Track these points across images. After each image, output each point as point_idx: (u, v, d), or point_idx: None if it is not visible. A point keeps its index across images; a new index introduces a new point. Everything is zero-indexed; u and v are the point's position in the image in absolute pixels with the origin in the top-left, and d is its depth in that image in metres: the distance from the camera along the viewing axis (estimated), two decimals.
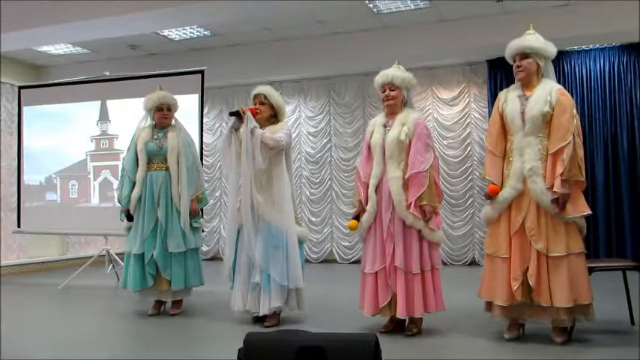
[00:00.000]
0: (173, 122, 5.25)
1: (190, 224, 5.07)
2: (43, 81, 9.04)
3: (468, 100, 9.02)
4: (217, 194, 10.23)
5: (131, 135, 5.29)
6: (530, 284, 3.71)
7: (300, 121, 9.89)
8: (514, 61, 3.99)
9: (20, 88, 8.06)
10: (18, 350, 3.92)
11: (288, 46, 8.51)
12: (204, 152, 8.02)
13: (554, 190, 3.68)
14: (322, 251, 9.65)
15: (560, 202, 3.68)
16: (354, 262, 9.09)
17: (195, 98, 6.94)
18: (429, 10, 7.41)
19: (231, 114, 4.62)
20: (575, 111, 3.80)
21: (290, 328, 4.21)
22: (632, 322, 4.26)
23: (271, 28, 8.05)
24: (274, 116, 4.70)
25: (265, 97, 4.65)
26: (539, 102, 3.81)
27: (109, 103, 7.55)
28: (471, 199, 8.86)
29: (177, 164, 5.06)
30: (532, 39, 3.94)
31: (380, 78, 4.30)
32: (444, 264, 7.81)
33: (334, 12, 7.42)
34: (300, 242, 4.59)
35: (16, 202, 7.92)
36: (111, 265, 7.36)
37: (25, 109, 7.89)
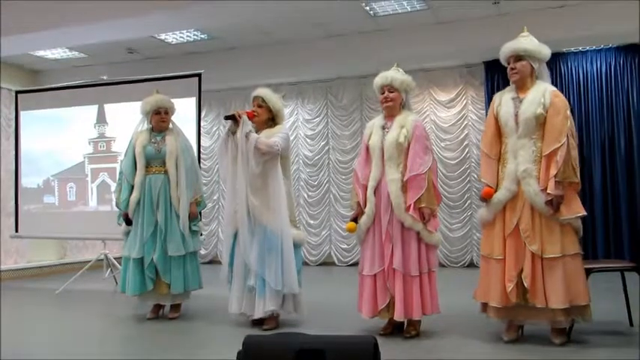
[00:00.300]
0: (171, 126, 5.25)
1: (189, 227, 5.06)
2: (40, 85, 9.03)
3: (465, 102, 9.04)
4: (215, 197, 10.23)
5: (128, 138, 5.28)
6: (525, 285, 3.72)
7: (298, 123, 9.90)
8: (508, 64, 4.00)
9: (17, 92, 8.05)
10: (16, 354, 3.91)
11: (285, 49, 8.52)
12: (201, 156, 8.01)
13: (548, 191, 3.69)
14: (320, 254, 9.65)
15: (555, 203, 3.69)
16: (352, 265, 9.08)
17: (192, 102, 6.94)
18: (425, 12, 7.42)
19: (227, 118, 4.61)
20: (568, 112, 3.80)
21: (289, 330, 4.21)
22: (631, 323, 4.26)
23: (268, 32, 8.05)
24: (272, 119, 4.70)
25: (263, 100, 4.65)
26: (532, 104, 3.82)
27: (107, 105, 7.54)
28: (469, 201, 8.87)
29: (175, 168, 5.05)
30: (526, 41, 3.95)
31: (379, 80, 4.30)
32: (442, 266, 7.82)
33: (331, 15, 7.43)
34: (298, 245, 4.58)
35: (14, 207, 7.91)
36: (109, 269, 7.34)
37: (22, 114, 7.88)
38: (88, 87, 7.60)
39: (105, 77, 7.71)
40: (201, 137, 7.85)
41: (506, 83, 4.13)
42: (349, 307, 4.61)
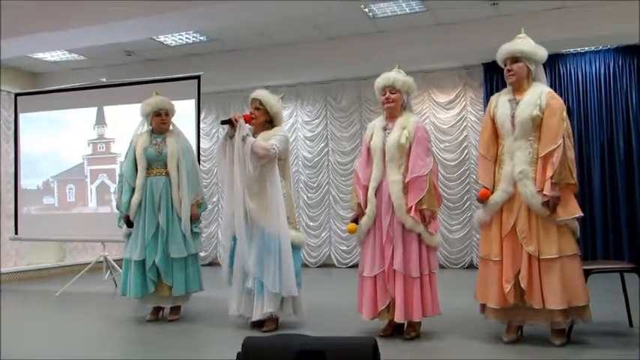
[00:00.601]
0: (171, 127, 5.25)
1: (191, 229, 5.06)
2: (39, 88, 9.03)
3: (464, 103, 9.04)
4: (215, 199, 10.22)
5: (128, 139, 5.28)
6: (522, 286, 3.72)
7: (297, 125, 9.90)
8: (505, 65, 4.01)
9: (17, 95, 8.05)
10: (16, 356, 3.91)
11: (285, 51, 8.52)
12: (201, 157, 8.02)
13: (545, 193, 3.70)
14: (320, 255, 9.65)
15: (551, 204, 3.70)
16: (352, 267, 9.08)
17: (191, 104, 6.94)
18: (424, 14, 7.42)
19: (224, 122, 4.61)
20: (564, 114, 3.82)
21: (288, 332, 4.20)
22: (631, 324, 4.26)
23: (267, 33, 8.05)
24: (270, 121, 4.69)
25: (260, 103, 4.64)
26: (529, 106, 3.83)
27: (106, 108, 7.54)
28: (469, 202, 8.87)
29: (177, 169, 5.05)
30: (522, 43, 3.96)
31: (381, 80, 4.31)
32: (442, 267, 7.81)
33: (330, 16, 7.42)
34: (298, 247, 4.57)
35: (13, 209, 7.90)
36: (108, 271, 7.34)
37: (21, 116, 7.87)
38: (87, 89, 7.60)
39: (104, 79, 7.71)
40: (201, 139, 7.84)
41: (505, 84, 4.14)
42: (349, 309, 4.61)
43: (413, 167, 4.09)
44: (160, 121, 5.15)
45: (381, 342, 2.68)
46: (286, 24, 7.63)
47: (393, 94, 4.25)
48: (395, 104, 4.26)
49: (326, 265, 9.59)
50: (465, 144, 8.96)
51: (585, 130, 8.18)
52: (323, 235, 9.67)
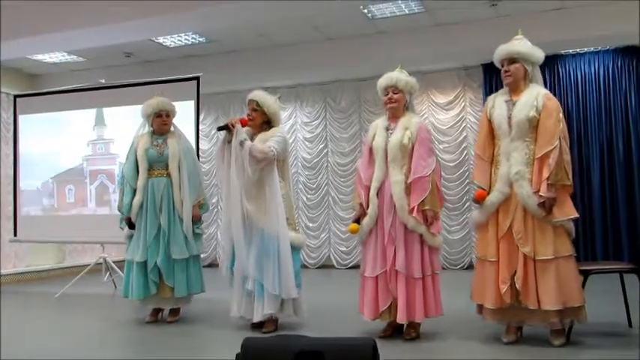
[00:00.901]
0: (172, 128, 5.24)
1: (192, 230, 5.05)
2: (38, 89, 9.02)
3: (463, 104, 9.04)
4: (214, 201, 10.20)
5: (127, 140, 5.28)
6: (517, 287, 3.73)
7: (296, 126, 9.90)
8: (502, 66, 4.02)
9: (16, 96, 8.05)
10: (16, 357, 3.91)
11: (284, 52, 8.52)
12: (200, 159, 8.01)
13: (541, 194, 3.71)
14: (320, 257, 9.64)
15: (547, 205, 3.71)
16: (351, 268, 9.09)
17: (191, 105, 6.94)
18: (423, 15, 7.42)
19: (220, 128, 4.61)
20: (561, 115, 3.83)
21: (288, 333, 4.21)
22: (630, 325, 4.27)
23: (267, 34, 8.06)
24: (268, 122, 4.68)
25: (258, 104, 4.63)
26: (525, 107, 3.83)
27: (105, 109, 7.54)
28: (468, 203, 8.85)
29: (178, 171, 5.04)
30: (519, 44, 3.97)
31: (384, 80, 4.31)
32: (442, 268, 7.78)
33: (329, 17, 7.43)
34: (297, 248, 4.57)
35: (12, 211, 7.90)
36: (108, 272, 7.34)
37: (20, 118, 7.87)
38: (86, 91, 7.60)
39: (103, 81, 7.70)
40: (200, 140, 7.84)
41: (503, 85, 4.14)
42: (348, 310, 4.62)
43: (415, 168, 4.09)
44: (161, 123, 5.15)
45: (380, 342, 2.69)
46: (286, 25, 7.64)
47: (396, 94, 4.25)
48: (397, 104, 4.26)
49: (325, 266, 9.58)
50: (464, 145, 8.96)
51: (584, 131, 8.18)
52: (322, 236, 9.66)
